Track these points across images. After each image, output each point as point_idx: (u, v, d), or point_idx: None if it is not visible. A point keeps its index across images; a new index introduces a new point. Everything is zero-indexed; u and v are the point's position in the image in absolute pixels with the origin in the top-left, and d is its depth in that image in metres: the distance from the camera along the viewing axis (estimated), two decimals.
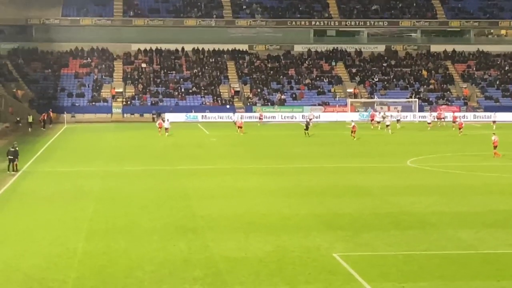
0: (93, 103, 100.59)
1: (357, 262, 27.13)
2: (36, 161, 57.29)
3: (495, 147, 58.59)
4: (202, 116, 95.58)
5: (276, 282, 24.96)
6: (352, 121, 75.13)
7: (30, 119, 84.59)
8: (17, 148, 51.69)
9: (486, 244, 30.32)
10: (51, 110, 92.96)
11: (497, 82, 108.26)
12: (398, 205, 38.86)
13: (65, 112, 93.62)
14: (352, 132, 71.26)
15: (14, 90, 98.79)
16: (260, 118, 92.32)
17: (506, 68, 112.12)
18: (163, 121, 77.14)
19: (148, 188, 44.11)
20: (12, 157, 50.56)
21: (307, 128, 74.82)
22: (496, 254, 28.81)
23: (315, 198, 40.59)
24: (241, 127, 77.37)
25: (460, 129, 74.93)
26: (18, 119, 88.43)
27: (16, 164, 50.74)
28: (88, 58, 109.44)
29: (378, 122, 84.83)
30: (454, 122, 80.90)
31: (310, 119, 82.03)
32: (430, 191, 43.03)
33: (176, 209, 37.80)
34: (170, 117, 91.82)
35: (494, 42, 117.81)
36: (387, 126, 79.08)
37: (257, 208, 37.87)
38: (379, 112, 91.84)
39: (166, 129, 74.58)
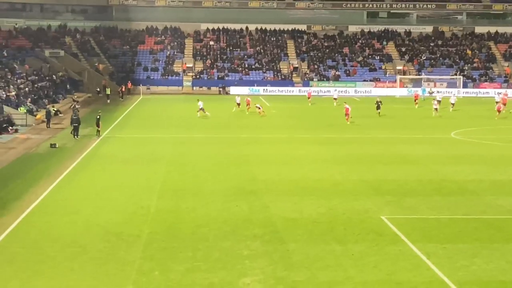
0: (166, 77, 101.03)
1: (403, 225, 27.07)
2: (115, 128, 57.95)
3: None
4: (264, 89, 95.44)
5: (328, 240, 25.03)
6: (345, 103, 64.63)
7: (108, 91, 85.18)
8: (98, 116, 52.61)
9: None
10: (130, 82, 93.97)
11: None
12: (441, 173, 38.47)
13: (141, 85, 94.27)
14: (346, 115, 60.97)
15: (96, 64, 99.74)
16: (308, 97, 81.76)
17: None
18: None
19: (213, 154, 44.37)
20: (76, 124, 51.53)
21: (378, 108, 67.21)
22: None
23: (364, 166, 40.41)
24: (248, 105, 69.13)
25: (504, 104, 69.56)
26: (98, 89, 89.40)
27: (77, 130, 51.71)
28: (162, 36, 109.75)
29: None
30: (504, 104, 70.85)
31: (379, 101, 69.05)
32: (471, 161, 42.50)
33: (238, 173, 38.00)
34: (235, 90, 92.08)
35: None
36: (436, 108, 69.28)
37: (311, 174, 37.91)
38: (425, 88, 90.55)
39: (201, 109, 64.52)
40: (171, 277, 21.19)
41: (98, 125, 51.55)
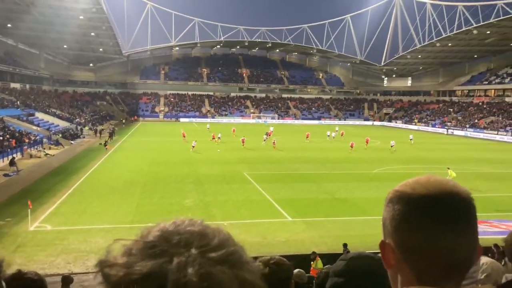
0: (152, 113, 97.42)
1: (254, 176, 27.13)
2: (129, 136, 55.32)
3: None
4: (195, 120, 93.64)
5: (223, 184, 24.82)
6: (244, 137, 45.41)
7: (124, 120, 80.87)
8: (114, 129, 49.58)
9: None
10: (135, 115, 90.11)
11: (309, 111, 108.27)
12: (268, 153, 38.23)
13: (141, 117, 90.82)
14: (242, 142, 43.73)
15: (121, 108, 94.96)
16: (268, 134, 51.85)
17: (312, 104, 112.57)
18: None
19: (175, 147, 42.99)
20: (110, 136, 48.20)
21: (267, 135, 49.72)
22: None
23: (241, 154, 40.23)
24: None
25: (351, 147, 39.73)
26: (121, 119, 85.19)
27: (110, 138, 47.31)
28: (150, 97, 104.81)
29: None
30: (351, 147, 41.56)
31: (267, 133, 51.80)
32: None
33: (186, 155, 36.93)
34: (184, 120, 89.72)
35: (306, 94, 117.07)
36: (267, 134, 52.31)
37: (216, 157, 37.46)
38: (265, 120, 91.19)
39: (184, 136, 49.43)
40: (153, 201, 20.52)
41: (109, 139, 44.53)
